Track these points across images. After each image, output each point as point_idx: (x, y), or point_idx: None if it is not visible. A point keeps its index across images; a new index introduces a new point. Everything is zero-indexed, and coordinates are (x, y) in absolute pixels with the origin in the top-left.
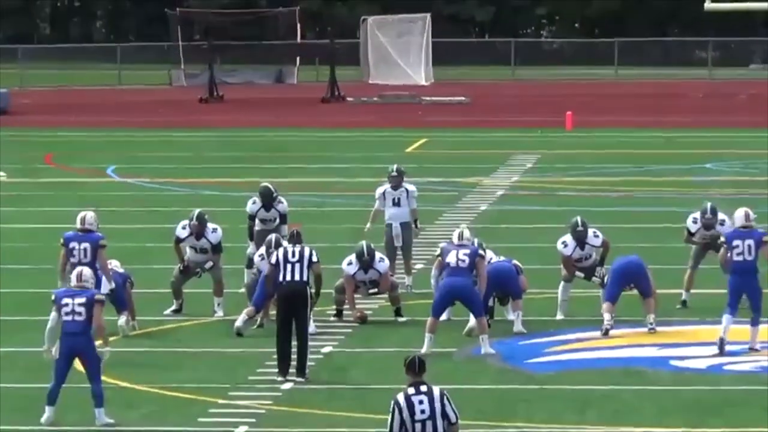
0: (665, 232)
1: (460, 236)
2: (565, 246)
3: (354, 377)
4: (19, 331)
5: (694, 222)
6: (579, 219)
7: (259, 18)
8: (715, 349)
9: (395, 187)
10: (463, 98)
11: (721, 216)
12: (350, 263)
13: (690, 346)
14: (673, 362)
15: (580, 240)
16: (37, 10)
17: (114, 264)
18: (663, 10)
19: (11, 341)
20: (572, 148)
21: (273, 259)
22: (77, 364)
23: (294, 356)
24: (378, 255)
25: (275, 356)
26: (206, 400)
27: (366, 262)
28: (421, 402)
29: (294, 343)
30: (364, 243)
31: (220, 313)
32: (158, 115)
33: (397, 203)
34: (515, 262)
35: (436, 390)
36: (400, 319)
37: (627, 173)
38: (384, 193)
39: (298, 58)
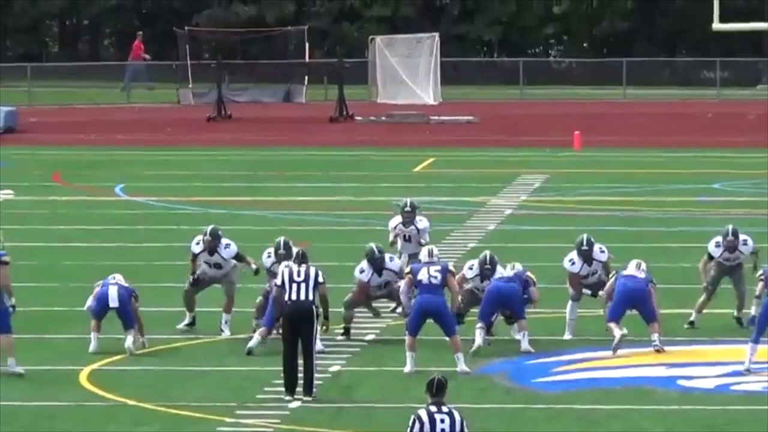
0: (673, 252)
1: (430, 253)
2: (573, 264)
3: (362, 396)
4: (23, 348)
5: (717, 246)
6: (585, 238)
7: (267, 37)
8: (723, 369)
9: (406, 224)
10: (471, 118)
11: (742, 237)
12: (362, 270)
13: (698, 366)
14: (680, 382)
15: (587, 258)
16: (45, 28)
17: (118, 278)
18: (671, 31)
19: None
20: (580, 167)
21: (279, 280)
22: None
23: (301, 375)
24: (388, 255)
25: (282, 375)
26: (214, 418)
27: (378, 261)
28: (442, 421)
29: (301, 361)
30: (372, 245)
31: (226, 333)
32: (166, 133)
33: (408, 239)
34: (529, 274)
35: (457, 414)
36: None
37: (634, 193)
38: (396, 227)
39: (306, 77)
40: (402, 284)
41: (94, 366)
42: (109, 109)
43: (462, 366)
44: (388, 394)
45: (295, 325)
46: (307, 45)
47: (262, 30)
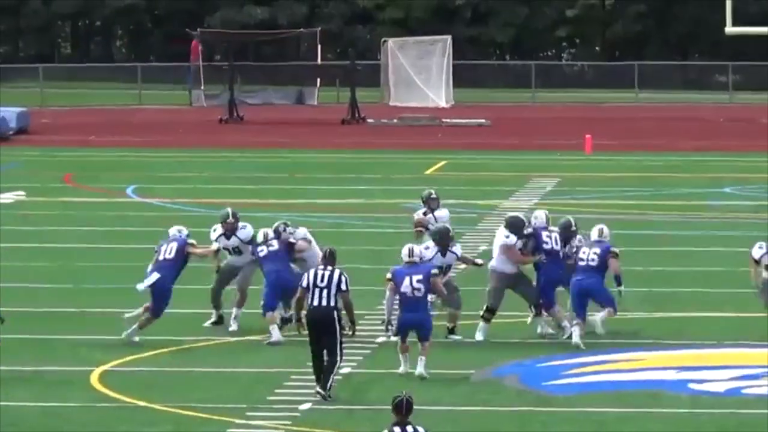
0: (684, 256)
1: (410, 253)
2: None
3: (373, 398)
4: (34, 349)
5: (761, 248)
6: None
7: (279, 39)
8: (734, 372)
9: (427, 213)
10: (483, 120)
11: None
12: (427, 247)
13: (709, 369)
14: (691, 385)
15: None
16: (58, 29)
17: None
18: (683, 34)
19: (26, 360)
20: (591, 171)
21: (304, 282)
22: None
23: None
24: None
25: (293, 376)
26: (224, 420)
27: (445, 242)
28: None
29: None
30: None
31: (234, 327)
32: (178, 135)
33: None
34: (613, 249)
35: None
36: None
37: (646, 197)
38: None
39: (318, 80)
40: (387, 292)
41: (105, 367)
42: (121, 111)
43: (421, 368)
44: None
45: (317, 331)
46: (319, 47)
47: (275, 32)
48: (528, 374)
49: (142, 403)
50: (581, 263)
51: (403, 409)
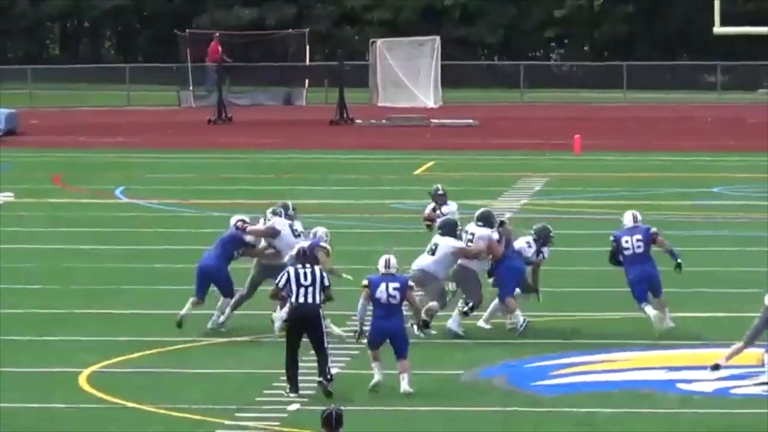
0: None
1: (387, 264)
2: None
3: (361, 398)
4: (23, 350)
5: None
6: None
7: (268, 40)
8: (723, 372)
9: (436, 209)
10: (471, 121)
11: None
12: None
13: (697, 369)
14: (680, 385)
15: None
16: (46, 31)
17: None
18: (672, 34)
19: (14, 361)
20: (580, 171)
21: (282, 281)
22: None
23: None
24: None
25: (283, 377)
26: (213, 420)
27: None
28: None
29: (305, 360)
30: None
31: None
32: (167, 136)
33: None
34: (653, 229)
35: None
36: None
37: (634, 197)
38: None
39: (306, 80)
40: (361, 299)
41: (94, 368)
42: (109, 112)
43: (405, 386)
44: (387, 397)
45: (301, 328)
46: (307, 48)
47: (263, 33)
48: (516, 375)
49: (131, 404)
50: (627, 252)
51: (332, 423)
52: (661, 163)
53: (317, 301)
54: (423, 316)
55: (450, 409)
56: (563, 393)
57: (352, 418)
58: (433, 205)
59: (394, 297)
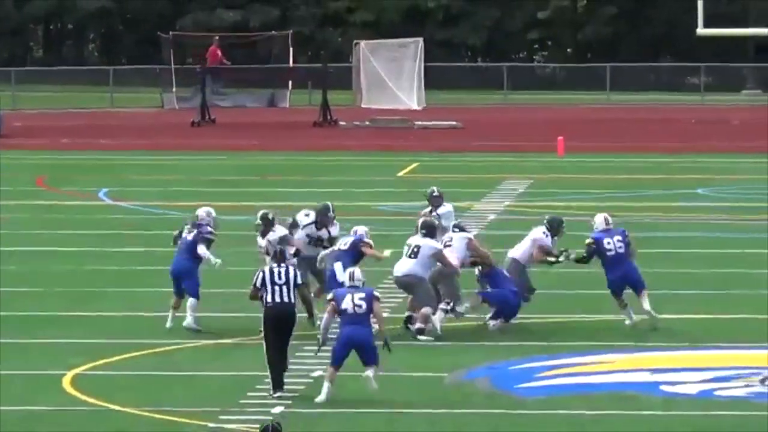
0: (656, 257)
1: (351, 277)
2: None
3: (344, 401)
4: (7, 353)
5: None
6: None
7: (251, 42)
8: (707, 375)
9: (432, 210)
10: (455, 123)
11: None
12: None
13: (681, 372)
14: (663, 387)
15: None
16: (30, 32)
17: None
18: (655, 36)
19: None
20: (564, 173)
21: (258, 281)
22: None
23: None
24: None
25: (267, 379)
26: (197, 423)
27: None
28: None
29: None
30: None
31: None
32: (150, 138)
33: None
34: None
35: None
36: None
37: (618, 198)
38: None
39: (290, 82)
40: (325, 314)
41: (78, 370)
42: (93, 114)
43: (369, 372)
44: (370, 400)
45: (276, 327)
46: (291, 50)
47: (247, 35)
48: (500, 377)
49: (115, 407)
50: (610, 254)
51: None
52: (645, 164)
53: (292, 299)
54: (419, 324)
55: (434, 411)
56: (547, 395)
57: (335, 421)
58: (429, 207)
59: (360, 306)
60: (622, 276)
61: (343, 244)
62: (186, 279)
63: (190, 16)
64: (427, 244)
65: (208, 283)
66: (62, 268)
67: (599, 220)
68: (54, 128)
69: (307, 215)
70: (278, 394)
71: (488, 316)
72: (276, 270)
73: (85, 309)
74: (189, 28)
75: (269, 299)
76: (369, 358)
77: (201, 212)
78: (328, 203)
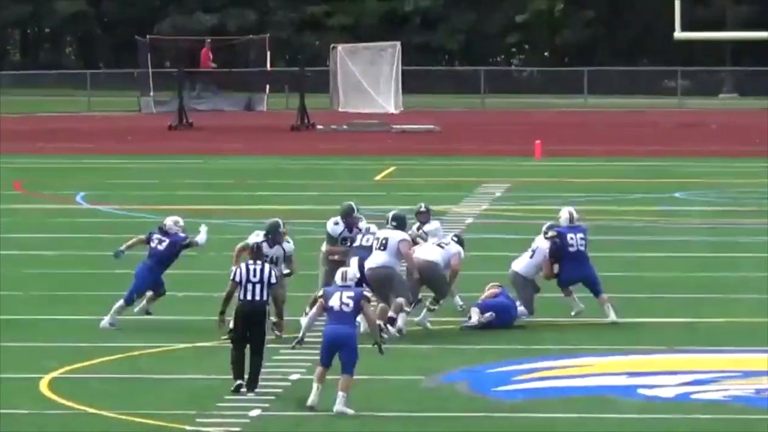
0: (633, 261)
1: (344, 276)
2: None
3: (322, 405)
4: None
5: None
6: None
7: (229, 46)
8: (684, 378)
9: (419, 227)
10: (432, 126)
11: None
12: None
13: (659, 375)
14: (641, 390)
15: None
16: (6, 36)
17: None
18: (633, 40)
19: None
20: (541, 176)
21: (237, 277)
22: None
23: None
24: None
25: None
26: (174, 426)
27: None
28: None
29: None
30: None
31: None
32: (127, 141)
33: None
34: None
35: None
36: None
37: (595, 202)
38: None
39: (267, 86)
40: (313, 309)
41: (55, 374)
42: (70, 117)
43: (341, 406)
44: (348, 404)
45: (247, 324)
46: (268, 54)
47: (224, 38)
48: (478, 380)
49: (92, 410)
50: (572, 249)
51: None
52: (622, 168)
53: (264, 297)
54: (390, 313)
55: (411, 414)
56: (525, 398)
57: (312, 425)
58: (417, 224)
59: (347, 305)
60: (582, 276)
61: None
62: (136, 280)
63: (168, 19)
64: (394, 236)
65: (185, 287)
66: (39, 272)
67: (564, 215)
68: (31, 132)
69: (336, 223)
70: (238, 382)
71: (474, 318)
72: (252, 267)
73: (62, 312)
74: (167, 32)
75: (242, 296)
76: (348, 362)
77: (169, 221)
78: (351, 204)
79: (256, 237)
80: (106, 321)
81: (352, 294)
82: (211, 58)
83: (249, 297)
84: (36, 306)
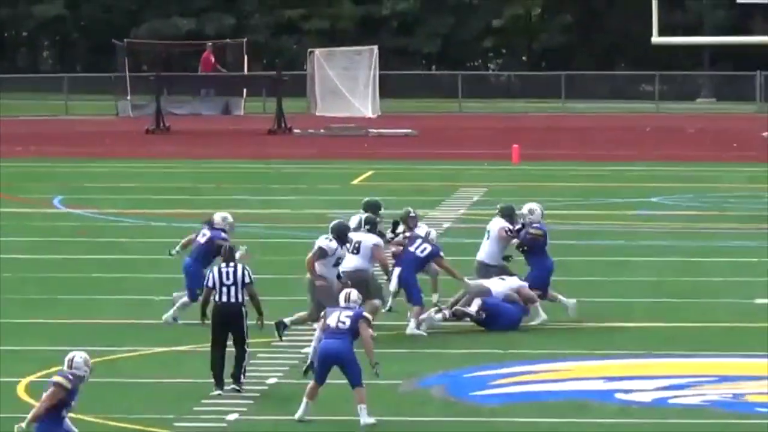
0: (611, 265)
1: (347, 298)
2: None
3: (298, 408)
4: None
5: None
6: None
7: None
8: (661, 383)
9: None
10: (409, 131)
11: None
12: None
13: (636, 380)
14: (618, 395)
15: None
16: None
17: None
18: (610, 44)
19: None
20: (519, 181)
21: (210, 282)
22: None
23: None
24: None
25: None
26: (151, 430)
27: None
28: None
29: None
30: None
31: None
32: (105, 145)
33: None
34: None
35: None
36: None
37: (573, 206)
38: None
39: (244, 90)
40: (317, 331)
41: (32, 378)
42: (47, 121)
43: (365, 418)
44: (326, 407)
45: (223, 325)
46: (245, 58)
47: (201, 42)
48: (455, 385)
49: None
50: (546, 247)
51: None
52: (600, 173)
53: (239, 299)
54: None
55: (388, 419)
56: (502, 403)
57: (289, 430)
58: (402, 228)
59: (343, 323)
60: (550, 270)
61: (420, 251)
62: (187, 278)
63: (146, 24)
64: (367, 239)
65: (165, 291)
66: (15, 275)
67: (538, 211)
68: (8, 136)
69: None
70: (218, 392)
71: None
72: (225, 270)
73: (39, 316)
74: (144, 36)
75: (217, 298)
76: (353, 374)
77: (217, 217)
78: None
79: (327, 241)
80: (169, 314)
81: (350, 313)
82: (214, 61)
83: (225, 299)
84: (12, 309)
